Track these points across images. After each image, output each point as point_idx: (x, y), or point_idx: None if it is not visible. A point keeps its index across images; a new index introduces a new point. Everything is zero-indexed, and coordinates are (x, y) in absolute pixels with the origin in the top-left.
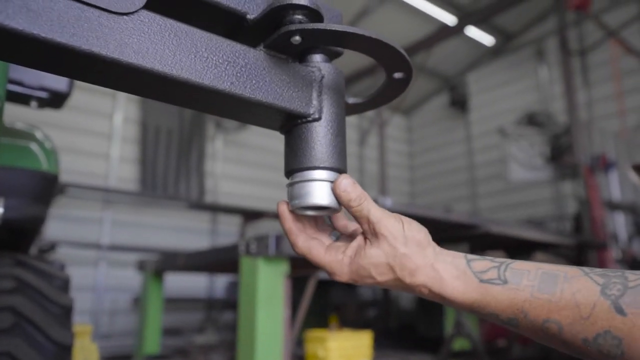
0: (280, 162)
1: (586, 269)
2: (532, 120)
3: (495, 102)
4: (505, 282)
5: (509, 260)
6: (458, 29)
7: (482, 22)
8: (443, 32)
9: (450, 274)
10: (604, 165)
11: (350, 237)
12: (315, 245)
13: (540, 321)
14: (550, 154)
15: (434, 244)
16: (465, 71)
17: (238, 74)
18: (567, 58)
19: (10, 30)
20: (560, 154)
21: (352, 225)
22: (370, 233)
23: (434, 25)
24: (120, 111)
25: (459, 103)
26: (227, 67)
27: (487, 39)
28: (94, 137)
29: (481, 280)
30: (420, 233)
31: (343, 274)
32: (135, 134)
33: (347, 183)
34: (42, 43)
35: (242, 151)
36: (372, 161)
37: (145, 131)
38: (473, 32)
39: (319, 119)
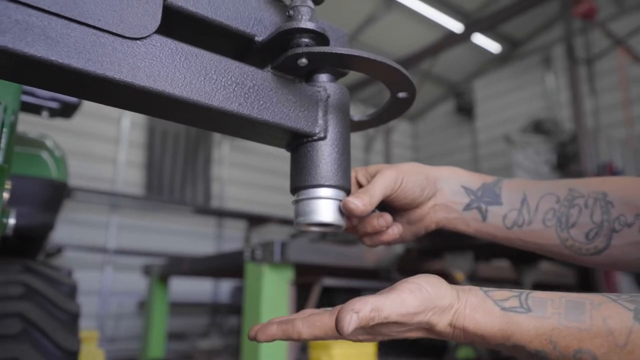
0: (286, 167)
1: (612, 295)
2: (538, 127)
3: (501, 109)
4: (529, 310)
5: (527, 291)
6: (464, 36)
7: (488, 30)
8: (449, 39)
9: (471, 305)
10: (611, 173)
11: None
12: None
13: (571, 352)
14: (556, 162)
15: (453, 291)
16: (471, 78)
17: (246, 95)
18: (574, 66)
19: (30, 57)
20: (567, 162)
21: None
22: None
23: (441, 32)
24: (127, 116)
25: (465, 110)
26: (236, 88)
27: (493, 46)
28: (102, 141)
29: (503, 308)
30: (441, 295)
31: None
32: (143, 139)
33: (352, 326)
34: (59, 68)
35: (249, 156)
36: None
37: (152, 136)
38: (479, 39)
39: (324, 138)
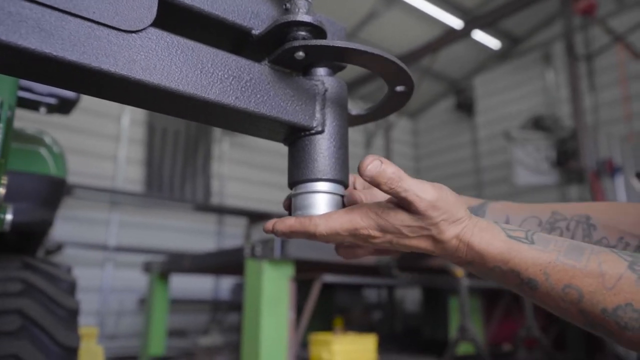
0: (286, 164)
1: (614, 250)
2: (538, 124)
3: (501, 106)
4: (532, 242)
5: (534, 230)
6: (464, 33)
7: (488, 26)
8: (449, 35)
9: (480, 226)
10: (610, 169)
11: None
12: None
13: (560, 286)
14: (556, 158)
15: (467, 210)
16: (471, 74)
17: (243, 89)
18: (574, 62)
19: (24, 50)
20: (566, 159)
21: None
22: (406, 206)
23: (441, 29)
24: (127, 113)
25: (465, 106)
26: (233, 82)
27: (493, 43)
28: (102, 138)
29: (509, 236)
30: (457, 204)
31: (370, 227)
32: (142, 136)
33: (372, 168)
34: (53, 61)
35: (249, 153)
36: None
37: (152, 133)
38: (479, 35)
39: (322, 132)
